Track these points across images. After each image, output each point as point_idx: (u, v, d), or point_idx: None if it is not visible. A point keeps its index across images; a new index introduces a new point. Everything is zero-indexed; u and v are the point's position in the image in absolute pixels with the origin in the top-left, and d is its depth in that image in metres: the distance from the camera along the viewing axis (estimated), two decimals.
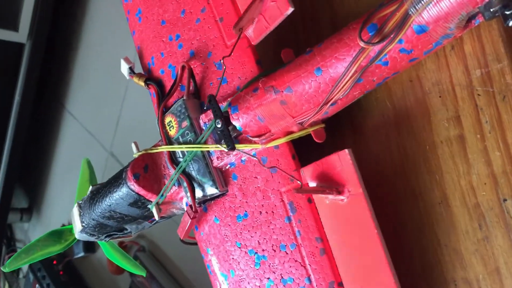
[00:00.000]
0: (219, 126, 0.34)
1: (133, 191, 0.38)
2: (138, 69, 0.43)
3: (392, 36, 0.28)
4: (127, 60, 0.41)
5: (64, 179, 1.45)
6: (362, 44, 0.29)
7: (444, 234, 0.32)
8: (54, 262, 1.26)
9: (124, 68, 0.41)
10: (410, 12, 0.28)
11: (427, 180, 0.33)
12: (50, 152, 1.50)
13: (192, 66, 0.39)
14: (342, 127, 0.37)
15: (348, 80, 0.31)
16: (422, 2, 0.27)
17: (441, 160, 0.33)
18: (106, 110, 1.21)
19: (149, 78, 0.41)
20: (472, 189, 0.31)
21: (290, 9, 0.33)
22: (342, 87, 0.31)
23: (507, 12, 0.26)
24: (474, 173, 0.31)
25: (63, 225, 1.37)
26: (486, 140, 0.31)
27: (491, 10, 0.27)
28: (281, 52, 0.37)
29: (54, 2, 1.22)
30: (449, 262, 0.32)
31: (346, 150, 0.32)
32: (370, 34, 0.29)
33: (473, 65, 0.33)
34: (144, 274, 0.47)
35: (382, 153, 0.35)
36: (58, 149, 1.47)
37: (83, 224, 0.42)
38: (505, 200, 0.30)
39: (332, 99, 0.31)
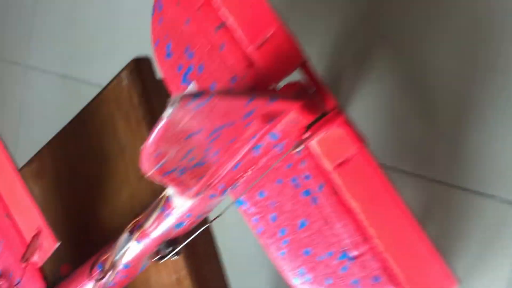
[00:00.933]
0: None
1: None
2: None
3: (109, 272, 0.45)
4: None
5: None
6: (91, 282, 0.45)
7: None
8: None
9: None
10: (116, 258, 0.44)
11: None
12: None
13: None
14: None
15: None
16: (120, 253, 0.44)
17: None
18: None
19: None
20: None
21: (56, 245, 0.49)
22: None
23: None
24: None
25: None
26: None
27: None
28: (61, 268, 0.52)
29: None
30: None
31: None
32: (98, 270, 0.46)
33: None
34: None
35: None
36: None
37: None
38: None
39: None
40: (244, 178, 0.39)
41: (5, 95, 1.28)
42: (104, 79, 1.10)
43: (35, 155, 0.62)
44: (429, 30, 0.72)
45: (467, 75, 0.69)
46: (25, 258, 0.50)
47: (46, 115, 1.19)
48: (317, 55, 0.82)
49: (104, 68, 1.09)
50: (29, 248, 0.50)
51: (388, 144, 0.75)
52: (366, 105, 0.78)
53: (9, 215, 0.52)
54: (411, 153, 0.73)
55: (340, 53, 0.80)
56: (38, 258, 0.50)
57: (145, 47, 1.07)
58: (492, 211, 0.67)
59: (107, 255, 0.45)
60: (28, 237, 0.51)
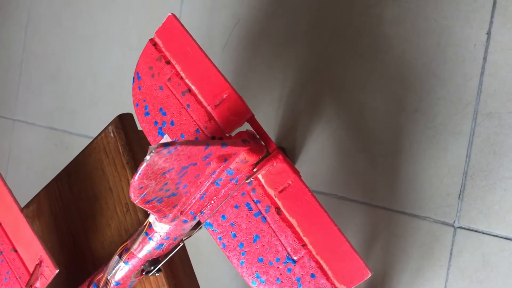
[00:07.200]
0: None
1: None
2: None
3: None
4: None
5: None
6: None
7: None
8: None
9: None
10: (108, 277, 0.54)
11: None
12: None
13: None
14: None
15: None
16: (111, 273, 0.54)
17: None
18: None
19: None
20: None
21: (56, 271, 0.58)
22: None
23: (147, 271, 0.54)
24: None
25: None
26: None
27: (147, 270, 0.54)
28: None
29: None
30: None
31: None
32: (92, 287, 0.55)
33: None
34: None
35: None
36: None
37: None
38: None
39: None
40: (210, 205, 0.50)
41: None
42: (87, 129, 1.21)
43: (33, 198, 0.72)
44: (365, 80, 0.86)
45: (396, 116, 0.83)
46: (29, 284, 0.60)
47: (33, 165, 1.29)
48: (276, 102, 0.96)
49: (87, 120, 1.21)
50: (33, 275, 0.59)
51: (339, 176, 0.88)
52: (320, 144, 0.92)
53: (14, 249, 0.62)
54: (357, 184, 0.86)
55: (295, 101, 0.94)
56: (40, 284, 0.60)
57: (121, 100, 1.20)
58: (426, 230, 0.80)
59: (100, 275, 0.55)
60: (31, 267, 0.61)
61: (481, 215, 0.75)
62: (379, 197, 0.83)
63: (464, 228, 0.75)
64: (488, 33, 0.76)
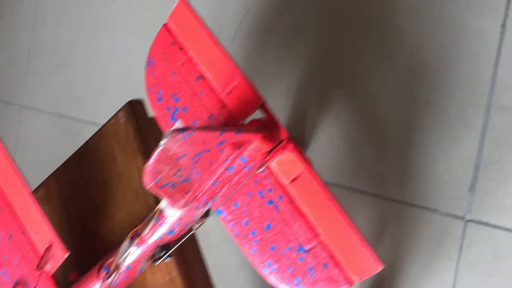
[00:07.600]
0: None
1: None
2: None
3: (114, 273, 0.55)
4: None
5: None
6: (99, 282, 0.55)
7: None
8: None
9: None
10: (119, 261, 0.54)
11: None
12: None
13: None
14: None
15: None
16: (122, 257, 0.54)
17: None
18: None
19: None
20: None
21: (66, 254, 0.58)
22: None
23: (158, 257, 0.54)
24: None
25: None
26: None
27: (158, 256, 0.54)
28: (70, 275, 0.61)
29: None
30: None
31: None
32: (104, 272, 0.55)
33: None
34: None
35: None
36: None
37: None
38: None
39: None
40: (222, 192, 0.50)
41: (1, 133, 1.38)
42: (95, 117, 1.21)
43: (42, 183, 0.72)
44: (377, 71, 0.85)
45: (408, 108, 0.82)
46: (39, 267, 0.60)
47: (40, 151, 1.29)
48: (286, 93, 0.96)
49: (94, 108, 1.21)
50: (43, 258, 0.59)
51: (348, 167, 0.88)
52: (329, 135, 0.91)
53: (24, 232, 0.62)
54: (367, 175, 0.85)
55: (304, 92, 0.93)
56: (51, 267, 0.60)
57: (129, 89, 1.19)
58: (436, 223, 0.79)
59: (111, 259, 0.55)
60: (41, 249, 0.61)
61: (492, 208, 0.74)
62: (389, 189, 0.82)
63: (475, 221, 0.75)
64: (503, 25, 0.75)
